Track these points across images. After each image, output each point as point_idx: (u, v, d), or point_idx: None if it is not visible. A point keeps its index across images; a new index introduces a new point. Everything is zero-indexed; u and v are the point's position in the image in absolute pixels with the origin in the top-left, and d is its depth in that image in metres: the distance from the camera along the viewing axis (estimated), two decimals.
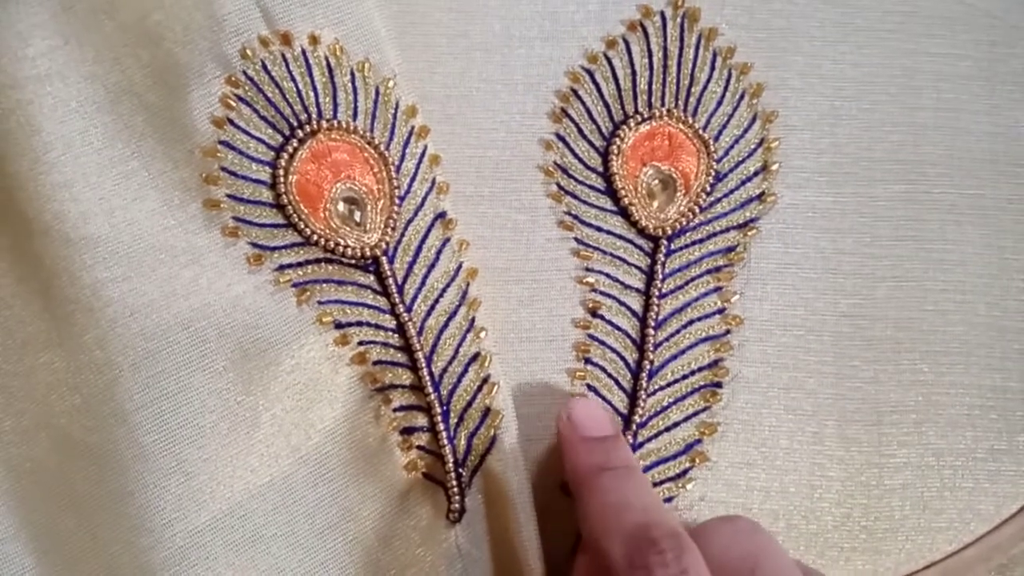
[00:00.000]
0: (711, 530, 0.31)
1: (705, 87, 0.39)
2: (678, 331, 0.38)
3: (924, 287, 0.38)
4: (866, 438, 0.37)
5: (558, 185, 0.39)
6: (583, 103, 0.39)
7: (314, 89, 0.36)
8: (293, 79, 0.35)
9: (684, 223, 0.38)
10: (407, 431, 0.36)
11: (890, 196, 0.39)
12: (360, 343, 0.36)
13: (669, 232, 0.38)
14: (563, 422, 0.35)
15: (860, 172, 0.39)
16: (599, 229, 0.38)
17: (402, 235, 0.36)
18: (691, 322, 0.38)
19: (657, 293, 0.38)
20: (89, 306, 0.34)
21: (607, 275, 0.38)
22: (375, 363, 0.36)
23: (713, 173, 0.39)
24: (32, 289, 0.35)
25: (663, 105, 0.39)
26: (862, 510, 0.37)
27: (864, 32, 0.40)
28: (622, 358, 0.38)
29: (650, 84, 0.39)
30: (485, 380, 0.36)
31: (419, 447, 0.36)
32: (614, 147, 0.38)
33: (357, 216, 0.36)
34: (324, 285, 0.36)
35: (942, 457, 0.37)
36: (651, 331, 0.37)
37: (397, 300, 0.36)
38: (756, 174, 0.39)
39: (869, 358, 0.38)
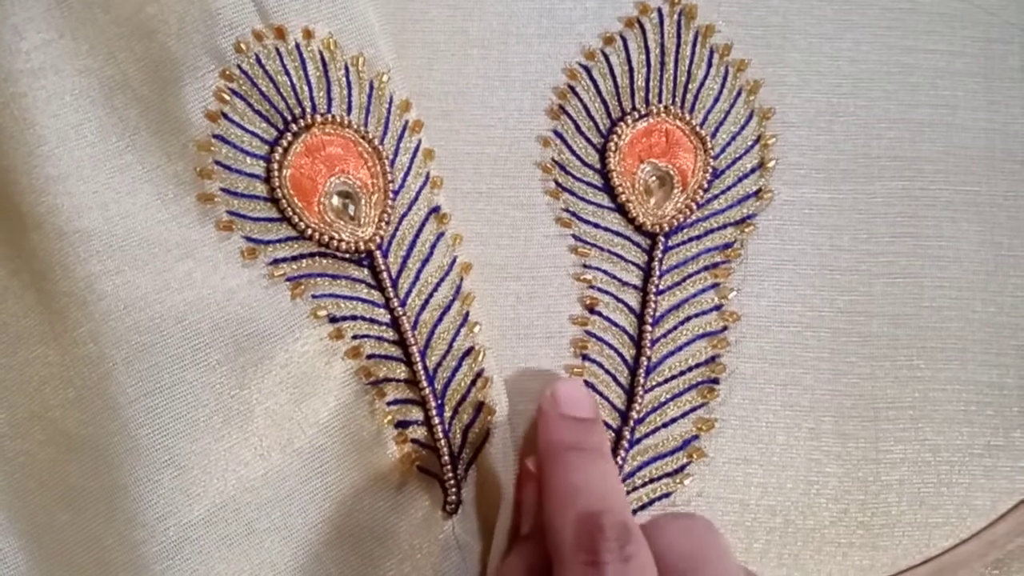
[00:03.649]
0: (662, 525, 0.31)
1: (702, 84, 0.39)
2: (675, 327, 0.38)
3: (921, 283, 0.38)
4: (863, 434, 0.37)
5: (556, 182, 0.39)
6: (581, 100, 0.39)
7: (308, 83, 0.36)
8: (287, 73, 0.35)
9: (681, 220, 0.38)
10: (402, 424, 0.36)
11: (887, 193, 0.39)
12: (354, 337, 0.36)
13: (666, 229, 0.38)
14: (546, 398, 0.35)
15: (857, 169, 0.39)
16: (597, 226, 0.38)
17: (396, 229, 0.36)
18: (688, 318, 0.38)
19: (654, 290, 0.38)
20: (83, 300, 0.34)
21: (605, 272, 0.38)
22: (369, 357, 0.36)
23: (710, 170, 0.38)
24: (26, 283, 0.35)
25: (660, 102, 0.39)
26: (859, 506, 0.37)
27: (861, 29, 0.40)
28: (619, 354, 0.37)
29: (647, 81, 0.39)
30: (479, 375, 0.36)
31: (414, 440, 0.35)
32: (611, 144, 0.38)
33: (351, 210, 0.36)
34: (318, 279, 0.36)
35: (938, 453, 0.37)
36: (648, 327, 0.37)
37: (391, 294, 0.36)
38: (753, 171, 0.39)
39: (866, 354, 0.38)
